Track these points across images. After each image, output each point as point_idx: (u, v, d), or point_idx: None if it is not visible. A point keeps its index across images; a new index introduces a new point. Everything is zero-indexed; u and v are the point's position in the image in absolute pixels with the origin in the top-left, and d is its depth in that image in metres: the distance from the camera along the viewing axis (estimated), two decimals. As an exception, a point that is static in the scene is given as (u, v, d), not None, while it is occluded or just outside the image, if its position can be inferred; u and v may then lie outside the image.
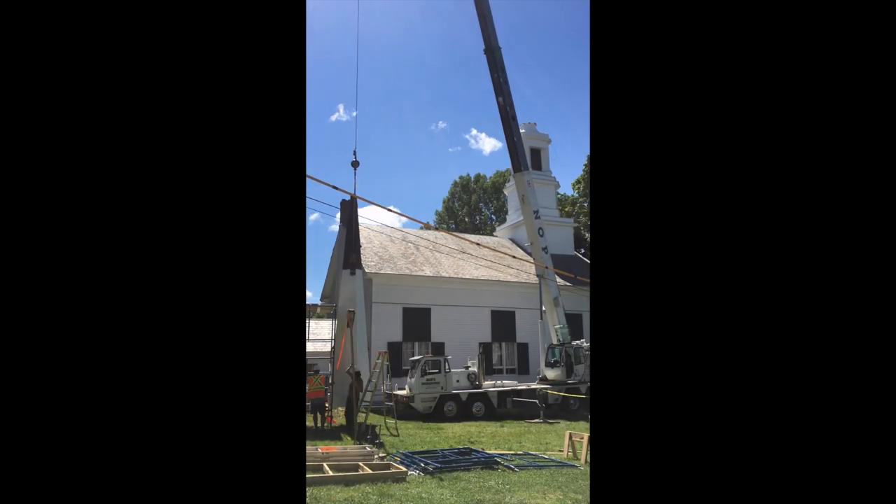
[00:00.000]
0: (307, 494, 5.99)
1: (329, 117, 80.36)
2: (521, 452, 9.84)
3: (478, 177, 50.33)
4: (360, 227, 25.57)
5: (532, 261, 22.57)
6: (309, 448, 8.77)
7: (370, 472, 7.23)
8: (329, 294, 29.87)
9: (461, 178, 50.84)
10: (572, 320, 24.78)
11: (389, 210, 9.21)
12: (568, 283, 22.68)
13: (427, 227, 23.76)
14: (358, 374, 14.06)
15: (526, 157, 20.76)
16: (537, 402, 16.69)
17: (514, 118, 19.58)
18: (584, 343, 19.34)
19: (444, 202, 51.62)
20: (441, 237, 27.05)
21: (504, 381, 19.22)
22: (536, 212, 19.65)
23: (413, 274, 22.52)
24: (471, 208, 49.58)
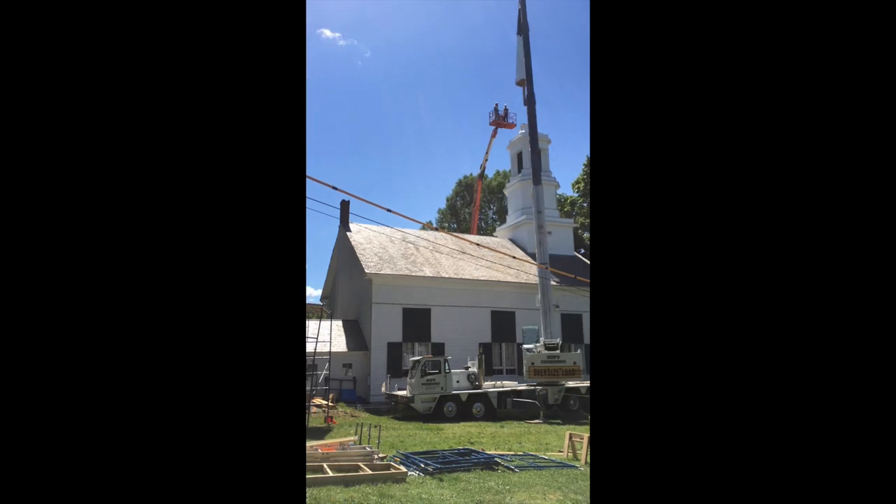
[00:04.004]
0: (307, 495, 5.99)
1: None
2: (521, 453, 9.84)
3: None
4: (361, 227, 25.61)
5: (531, 261, 22.59)
6: (309, 448, 8.76)
7: (370, 472, 7.22)
8: (329, 294, 29.96)
9: (465, 177, 51.03)
10: (573, 320, 24.81)
11: (389, 211, 9.12)
12: (557, 282, 22.70)
13: (427, 227, 23.73)
14: None
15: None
16: (537, 402, 16.69)
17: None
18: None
19: (447, 200, 51.86)
20: (441, 237, 27.05)
21: (504, 382, 19.20)
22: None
23: (413, 274, 22.52)
24: (473, 206, 49.69)
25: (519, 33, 21.26)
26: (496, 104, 33.96)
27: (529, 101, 20.67)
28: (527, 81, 20.57)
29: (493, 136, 34.92)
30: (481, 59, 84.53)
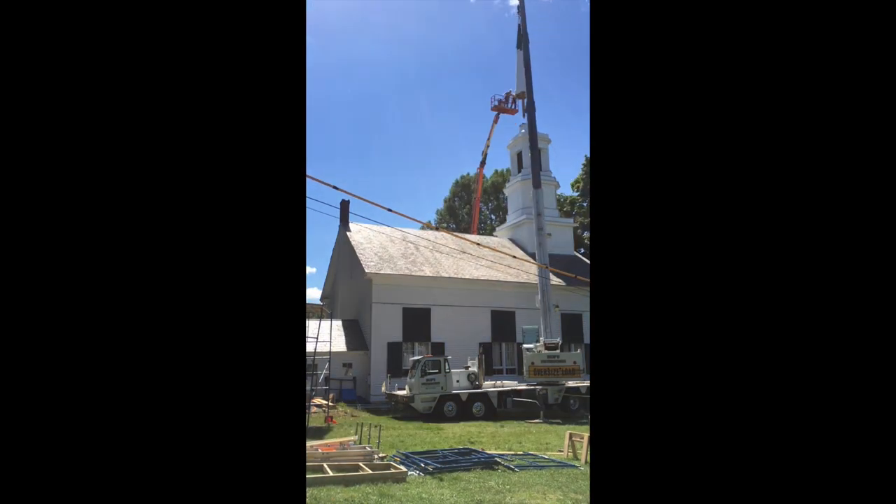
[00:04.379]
0: (307, 494, 5.99)
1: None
2: (521, 453, 9.84)
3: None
4: (361, 227, 25.60)
5: (532, 261, 22.61)
6: (309, 448, 8.77)
7: (370, 472, 7.23)
8: (329, 294, 29.96)
9: (462, 177, 51.11)
10: (573, 320, 24.83)
11: (389, 210, 9.12)
12: (560, 282, 22.72)
13: (427, 226, 23.75)
14: None
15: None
16: (537, 402, 16.70)
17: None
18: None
19: (445, 201, 51.94)
20: (441, 237, 27.04)
21: (504, 382, 19.21)
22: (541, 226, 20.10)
23: (413, 274, 22.52)
24: (471, 207, 49.87)
25: (519, 47, 21.82)
26: (507, 92, 33.45)
27: (529, 108, 21.06)
28: (527, 93, 21.09)
29: (495, 121, 34.71)
30: (482, 58, 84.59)
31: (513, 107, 32.54)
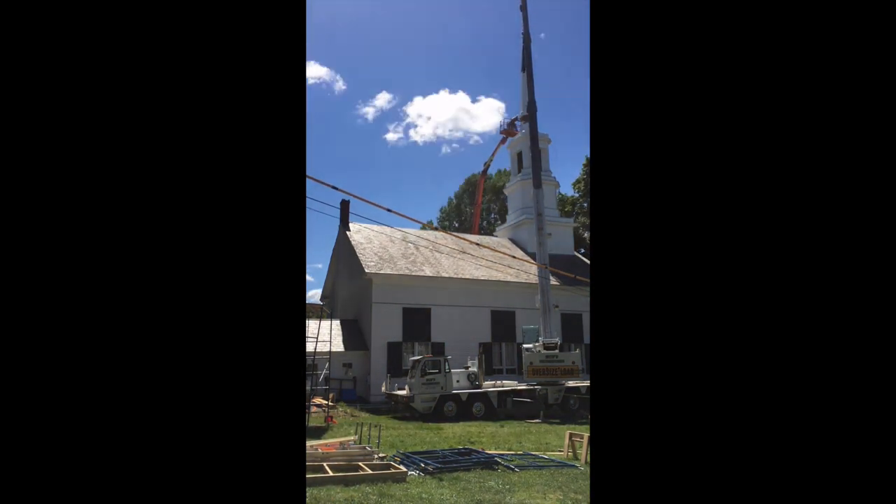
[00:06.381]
0: (307, 494, 5.99)
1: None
2: (521, 453, 9.85)
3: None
4: (361, 227, 25.61)
5: (531, 261, 22.63)
6: (309, 448, 8.77)
7: (370, 472, 7.23)
8: (329, 294, 29.96)
9: (473, 175, 51.71)
10: (573, 320, 24.83)
11: (389, 210, 9.15)
12: (558, 283, 22.73)
13: (429, 227, 23.79)
14: None
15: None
16: (537, 402, 16.70)
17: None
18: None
19: (455, 196, 52.51)
20: (441, 237, 27.05)
21: (504, 382, 19.22)
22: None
23: (413, 274, 22.52)
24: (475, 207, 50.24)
25: (523, 70, 22.35)
26: (515, 117, 34.56)
27: (530, 108, 21.34)
28: (528, 93, 21.90)
29: (502, 142, 35.53)
30: (487, 56, 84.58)
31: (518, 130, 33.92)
